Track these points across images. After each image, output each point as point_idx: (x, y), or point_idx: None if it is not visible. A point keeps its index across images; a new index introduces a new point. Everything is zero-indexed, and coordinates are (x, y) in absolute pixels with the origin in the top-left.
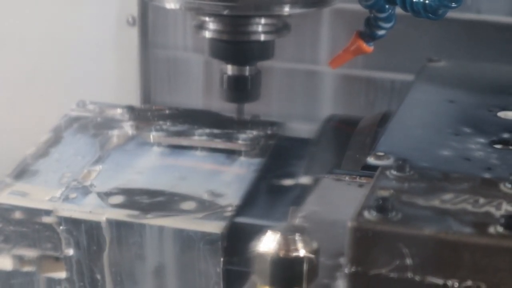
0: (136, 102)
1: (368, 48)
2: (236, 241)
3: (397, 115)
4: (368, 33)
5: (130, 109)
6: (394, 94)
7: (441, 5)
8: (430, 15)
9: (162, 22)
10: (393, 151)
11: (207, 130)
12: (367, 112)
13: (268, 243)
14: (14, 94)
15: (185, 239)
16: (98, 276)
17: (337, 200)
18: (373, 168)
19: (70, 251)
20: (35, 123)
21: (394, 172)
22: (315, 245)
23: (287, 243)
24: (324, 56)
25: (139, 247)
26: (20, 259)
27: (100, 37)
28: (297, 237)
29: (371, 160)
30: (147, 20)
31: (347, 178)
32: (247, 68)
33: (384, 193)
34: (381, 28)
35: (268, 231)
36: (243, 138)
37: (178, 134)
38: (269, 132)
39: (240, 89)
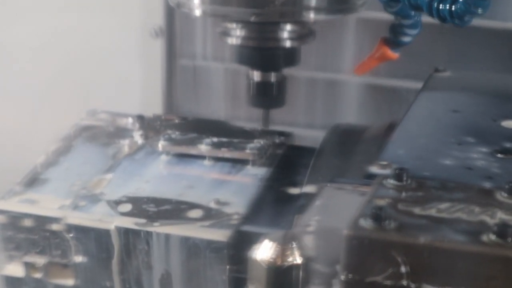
0: (160, 111)
1: (393, 54)
2: (242, 249)
3: (401, 124)
4: (393, 40)
5: (140, 118)
6: None
7: (467, 11)
8: (456, 21)
9: (188, 32)
10: (396, 160)
11: (215, 140)
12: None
13: (263, 251)
14: (39, 103)
15: (192, 247)
16: (107, 283)
17: (338, 209)
18: (375, 177)
19: (79, 258)
20: (59, 131)
21: (392, 181)
22: (308, 253)
23: (281, 251)
24: (348, 65)
25: (147, 254)
26: (31, 266)
27: (126, 47)
28: (291, 245)
29: (373, 169)
30: (174, 30)
31: (349, 187)
32: (273, 74)
33: (380, 202)
34: (406, 35)
35: (264, 239)
36: (251, 147)
37: (186, 143)
38: (277, 141)
39: (266, 95)
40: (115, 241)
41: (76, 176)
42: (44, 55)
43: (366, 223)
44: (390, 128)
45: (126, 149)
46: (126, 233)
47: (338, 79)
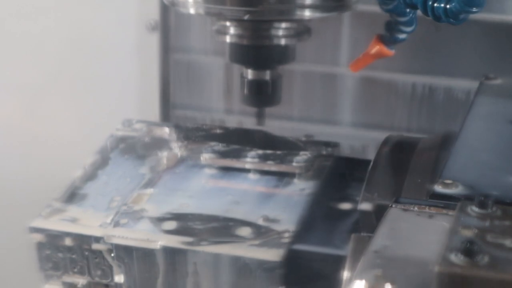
0: (156, 105)
1: (389, 51)
2: (294, 269)
3: (460, 138)
4: (388, 37)
5: (179, 128)
6: (415, 97)
7: (462, 10)
8: (451, 19)
9: (183, 26)
10: (461, 178)
11: (260, 152)
12: (387, 114)
13: None
14: (34, 98)
15: (242, 267)
16: None
17: (409, 233)
18: (441, 196)
19: (121, 279)
20: (55, 127)
21: (475, 209)
22: None
23: None
24: (344, 59)
25: (194, 275)
26: (70, 286)
27: (121, 41)
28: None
29: (438, 188)
30: (169, 24)
31: (415, 208)
32: (268, 72)
33: (469, 233)
34: (402, 32)
35: (355, 279)
36: (297, 160)
37: (230, 155)
38: (324, 152)
39: (261, 94)
40: (160, 261)
41: (115, 190)
42: (38, 49)
43: (457, 259)
44: (445, 140)
45: (165, 162)
46: (172, 253)
47: (335, 72)
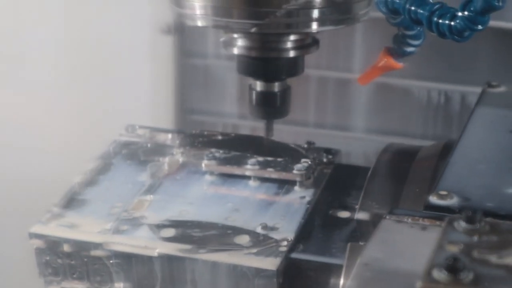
0: (171, 110)
1: (397, 64)
2: (291, 277)
3: (458, 147)
4: (396, 50)
5: (182, 134)
6: (431, 104)
7: (466, 27)
8: (455, 37)
9: (198, 31)
10: (457, 190)
11: (261, 159)
12: (402, 121)
13: None
14: (49, 100)
15: (240, 275)
16: None
17: (400, 246)
18: (436, 208)
19: (120, 285)
20: (69, 129)
21: (463, 224)
22: None
23: None
24: (359, 65)
25: (192, 282)
26: None
27: (136, 45)
28: None
29: (433, 199)
30: (184, 28)
31: (409, 219)
32: (276, 84)
33: (454, 249)
34: (410, 45)
35: None
36: (298, 167)
37: (231, 162)
38: (324, 160)
39: (269, 106)
40: (158, 268)
41: (116, 196)
42: (55, 51)
43: (441, 275)
44: (445, 149)
45: (166, 168)
46: (170, 260)
47: (349, 79)
